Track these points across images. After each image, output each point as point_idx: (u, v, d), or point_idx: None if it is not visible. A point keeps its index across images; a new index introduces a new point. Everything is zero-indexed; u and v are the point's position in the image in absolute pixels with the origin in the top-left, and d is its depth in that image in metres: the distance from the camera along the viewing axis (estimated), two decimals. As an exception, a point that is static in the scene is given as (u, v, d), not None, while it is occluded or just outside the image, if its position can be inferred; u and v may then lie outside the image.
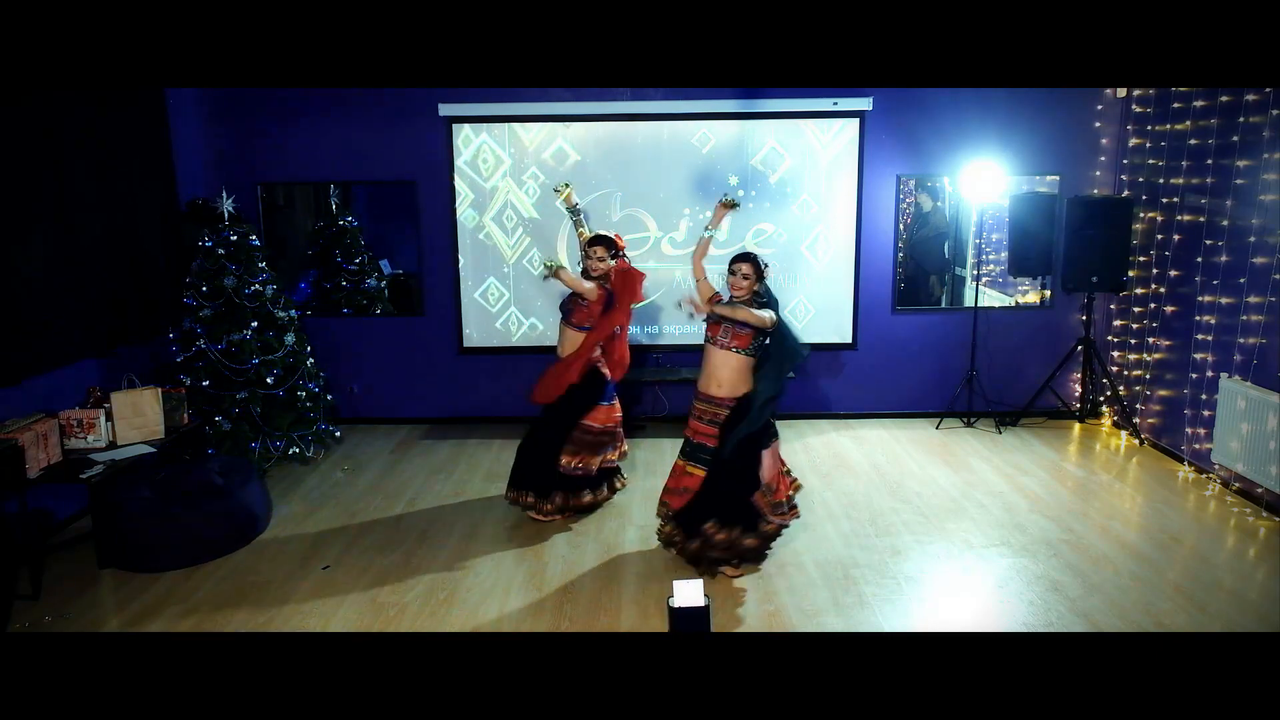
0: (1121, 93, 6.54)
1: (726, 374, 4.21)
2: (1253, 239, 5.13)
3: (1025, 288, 6.98)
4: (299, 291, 7.10)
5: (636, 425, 6.65)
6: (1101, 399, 6.83)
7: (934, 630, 3.87)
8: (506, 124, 6.58)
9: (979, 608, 4.06)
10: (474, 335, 6.87)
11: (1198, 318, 5.60)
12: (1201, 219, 5.60)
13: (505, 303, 6.80)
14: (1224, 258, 5.38)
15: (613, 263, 4.86)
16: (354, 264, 7.17)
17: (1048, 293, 6.89)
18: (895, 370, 6.96)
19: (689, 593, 3.58)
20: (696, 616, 3.54)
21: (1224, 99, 5.36)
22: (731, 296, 4.27)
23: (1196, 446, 5.67)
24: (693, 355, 6.67)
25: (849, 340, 6.84)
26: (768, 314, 4.15)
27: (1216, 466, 5.44)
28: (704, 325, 4.32)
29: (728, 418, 4.22)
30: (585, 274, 4.91)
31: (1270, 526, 4.85)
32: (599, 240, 4.88)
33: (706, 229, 4.51)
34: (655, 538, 4.61)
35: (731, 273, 4.23)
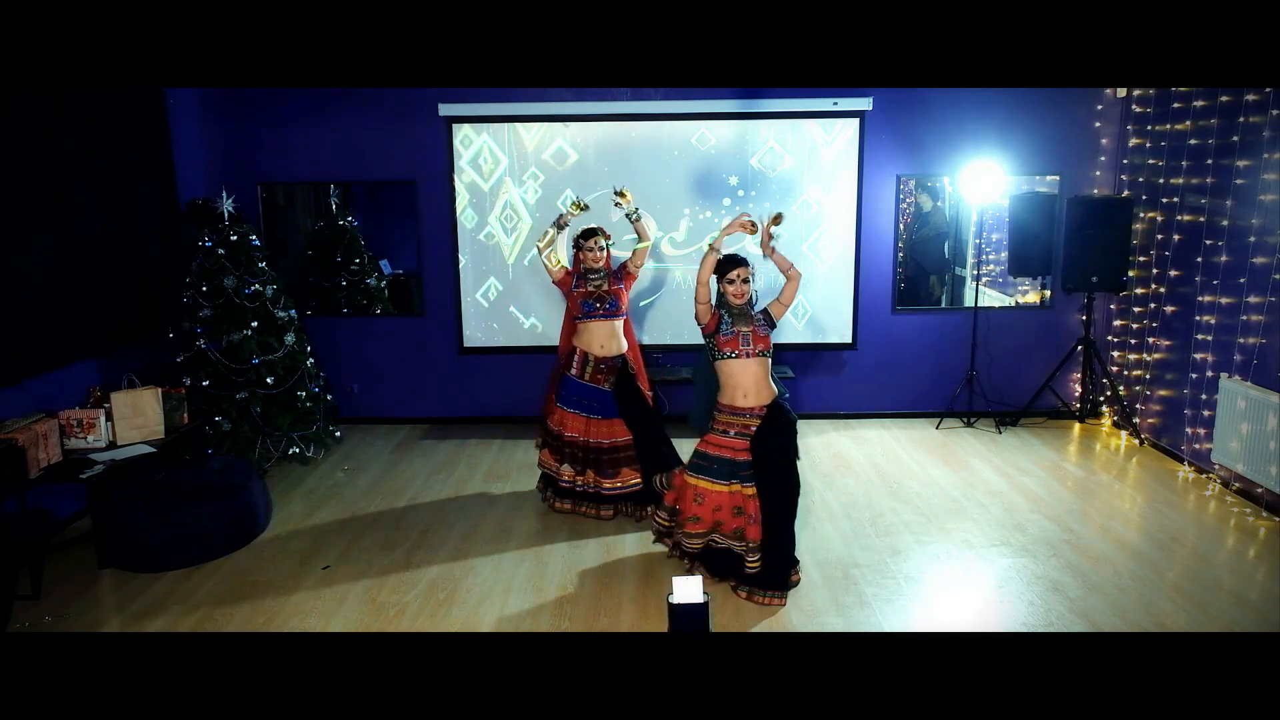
0: (1121, 93, 6.54)
1: (752, 381, 4.04)
2: (1253, 239, 5.13)
3: (1025, 288, 6.98)
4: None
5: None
6: (1101, 399, 6.83)
7: (934, 630, 3.87)
8: (506, 124, 6.58)
9: (979, 608, 4.06)
10: (474, 335, 6.87)
11: (1198, 318, 5.60)
12: (1201, 219, 5.60)
13: (505, 303, 6.80)
14: (1224, 258, 5.38)
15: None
16: (354, 264, 7.16)
17: (1048, 293, 6.89)
18: (895, 370, 6.96)
19: (688, 589, 3.58)
20: (696, 613, 3.54)
21: (1224, 99, 5.36)
22: (732, 308, 4.08)
23: (1196, 446, 5.67)
24: (693, 356, 6.67)
25: (849, 340, 6.84)
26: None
27: (1216, 466, 5.44)
28: (712, 344, 4.09)
29: (759, 429, 4.05)
30: (578, 265, 4.96)
31: (1270, 526, 4.85)
32: (596, 231, 4.94)
33: (712, 243, 4.10)
34: (671, 549, 4.38)
35: (729, 281, 4.06)
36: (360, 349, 6.99)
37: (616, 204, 4.94)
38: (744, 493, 4.09)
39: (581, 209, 4.97)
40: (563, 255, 5.01)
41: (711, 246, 4.08)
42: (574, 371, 4.91)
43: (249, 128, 6.67)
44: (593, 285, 4.90)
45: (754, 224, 4.13)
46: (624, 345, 4.99)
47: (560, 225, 4.94)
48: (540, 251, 4.90)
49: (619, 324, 4.97)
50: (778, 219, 4.14)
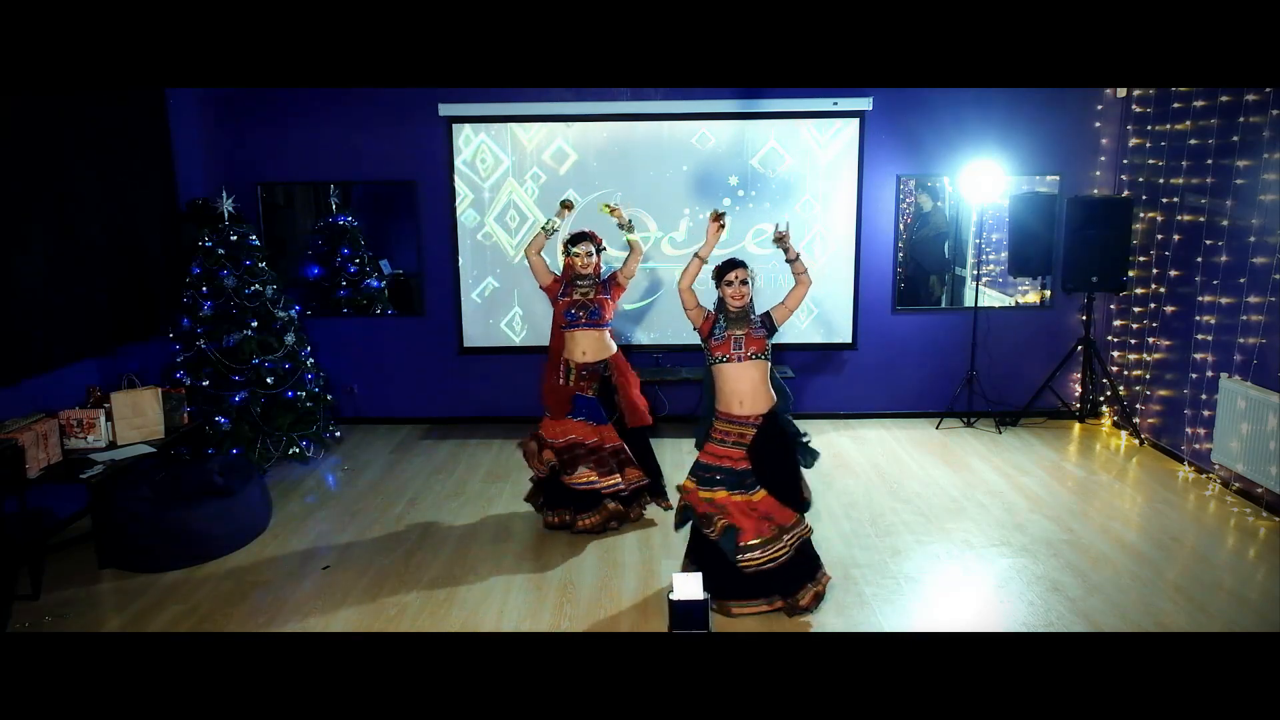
0: (1121, 93, 6.54)
1: (748, 386, 3.86)
2: (1253, 239, 5.13)
3: (1025, 288, 6.98)
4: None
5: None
6: (1101, 399, 6.83)
7: (934, 630, 3.87)
8: (506, 124, 6.58)
9: (979, 608, 4.06)
10: (474, 335, 6.87)
11: (1198, 318, 5.60)
12: (1201, 219, 5.60)
13: (506, 302, 6.80)
14: (1224, 258, 5.38)
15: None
16: (354, 264, 7.16)
17: (1048, 293, 6.89)
18: (895, 370, 6.96)
19: (688, 586, 3.58)
20: (696, 610, 3.54)
21: (1224, 99, 5.36)
22: (730, 312, 3.91)
23: (1196, 446, 5.67)
24: (693, 356, 6.68)
25: (849, 340, 6.84)
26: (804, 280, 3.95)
27: (1216, 466, 5.44)
28: (706, 348, 3.93)
29: (754, 439, 3.88)
30: (568, 271, 4.83)
31: (1270, 526, 4.85)
32: (585, 236, 4.80)
33: (698, 253, 4.00)
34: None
35: (728, 284, 3.88)
36: (360, 349, 6.99)
37: (611, 215, 4.84)
38: (753, 499, 3.89)
39: (566, 210, 4.88)
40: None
41: (698, 255, 3.97)
42: (560, 380, 4.81)
43: (249, 128, 6.68)
44: (579, 293, 4.76)
45: (720, 224, 3.98)
46: (610, 350, 4.85)
47: (549, 230, 4.81)
48: (529, 257, 4.79)
49: (603, 333, 4.82)
50: (719, 220, 3.98)
